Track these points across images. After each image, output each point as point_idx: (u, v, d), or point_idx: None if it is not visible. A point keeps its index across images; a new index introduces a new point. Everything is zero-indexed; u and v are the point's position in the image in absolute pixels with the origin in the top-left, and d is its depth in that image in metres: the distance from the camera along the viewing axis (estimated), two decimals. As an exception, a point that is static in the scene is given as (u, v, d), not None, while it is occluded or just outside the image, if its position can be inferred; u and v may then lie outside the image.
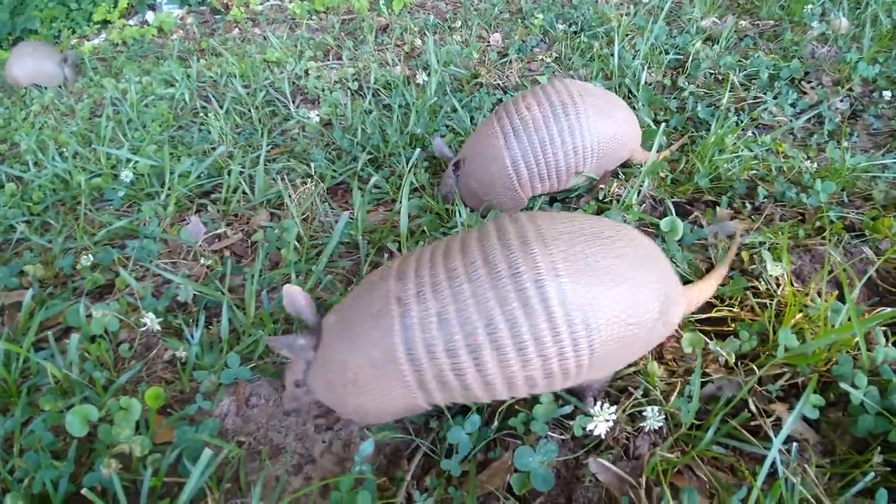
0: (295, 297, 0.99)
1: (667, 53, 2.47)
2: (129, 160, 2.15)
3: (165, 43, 3.84)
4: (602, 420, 0.90)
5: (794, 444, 0.92)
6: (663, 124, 1.85)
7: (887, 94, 2.11)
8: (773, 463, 0.86)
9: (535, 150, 1.49)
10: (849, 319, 1.05)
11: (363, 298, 0.92)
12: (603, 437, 0.94)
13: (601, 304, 0.82)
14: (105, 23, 4.71)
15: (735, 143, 1.80)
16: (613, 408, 0.92)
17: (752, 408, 1.00)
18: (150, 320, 1.31)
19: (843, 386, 0.96)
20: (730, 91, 2.16)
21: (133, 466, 1.05)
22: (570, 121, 1.48)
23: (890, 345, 1.06)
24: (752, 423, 0.98)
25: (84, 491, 0.90)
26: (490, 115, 1.63)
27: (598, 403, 0.91)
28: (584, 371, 0.86)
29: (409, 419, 1.09)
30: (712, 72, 2.36)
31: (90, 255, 1.57)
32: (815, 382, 0.95)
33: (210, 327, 1.38)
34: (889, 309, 1.11)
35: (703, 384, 1.06)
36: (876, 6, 2.61)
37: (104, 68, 3.43)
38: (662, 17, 2.65)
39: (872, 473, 0.86)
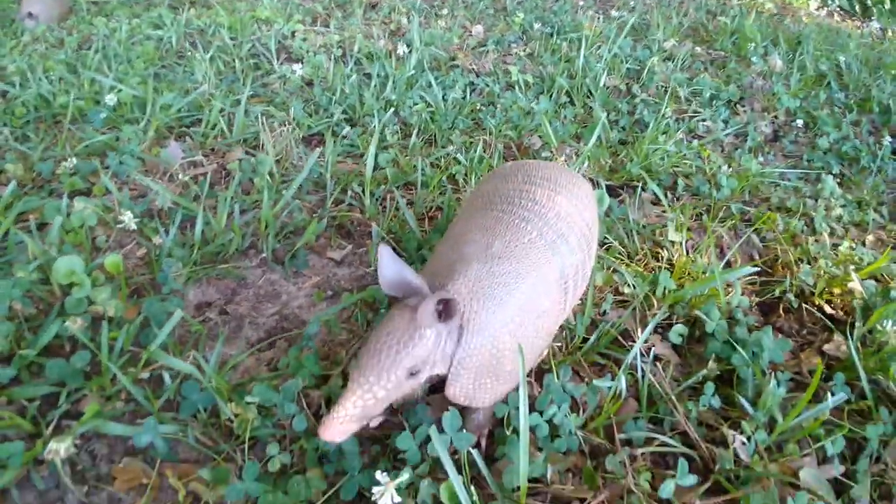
0: (390, 257, 0.81)
1: (627, 63, 2.73)
2: (112, 87, 2.25)
3: (156, -10, 3.88)
4: None
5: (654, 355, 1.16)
6: (613, 123, 2.10)
7: (800, 122, 2.44)
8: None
9: None
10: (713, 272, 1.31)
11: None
12: None
13: None
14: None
15: (666, 142, 2.06)
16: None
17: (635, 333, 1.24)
18: (128, 218, 1.44)
19: (701, 315, 1.20)
20: (674, 103, 2.43)
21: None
22: None
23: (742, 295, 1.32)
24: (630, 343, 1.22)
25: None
26: None
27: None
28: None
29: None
30: (664, 84, 2.64)
31: (73, 159, 1.68)
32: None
33: (184, 233, 1.53)
34: (747, 268, 1.37)
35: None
36: (805, 56, 2.98)
37: (96, 10, 3.46)
38: (626, 31, 2.92)
39: (705, 371, 1.13)
